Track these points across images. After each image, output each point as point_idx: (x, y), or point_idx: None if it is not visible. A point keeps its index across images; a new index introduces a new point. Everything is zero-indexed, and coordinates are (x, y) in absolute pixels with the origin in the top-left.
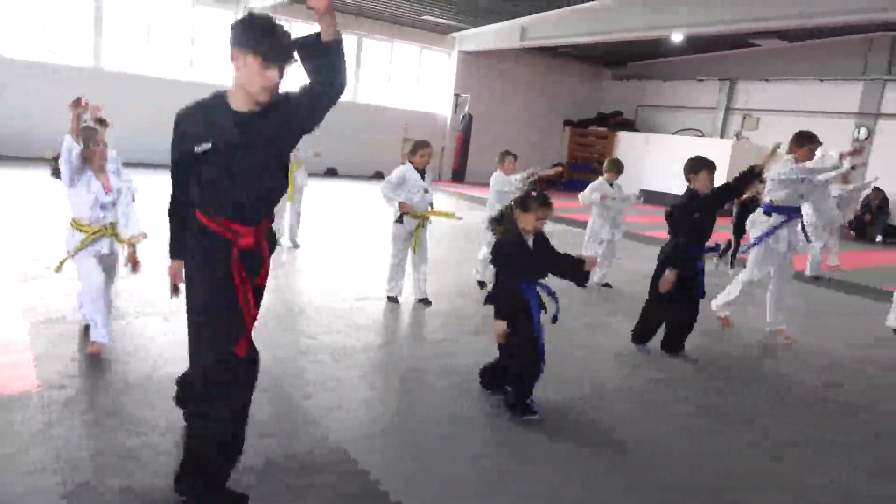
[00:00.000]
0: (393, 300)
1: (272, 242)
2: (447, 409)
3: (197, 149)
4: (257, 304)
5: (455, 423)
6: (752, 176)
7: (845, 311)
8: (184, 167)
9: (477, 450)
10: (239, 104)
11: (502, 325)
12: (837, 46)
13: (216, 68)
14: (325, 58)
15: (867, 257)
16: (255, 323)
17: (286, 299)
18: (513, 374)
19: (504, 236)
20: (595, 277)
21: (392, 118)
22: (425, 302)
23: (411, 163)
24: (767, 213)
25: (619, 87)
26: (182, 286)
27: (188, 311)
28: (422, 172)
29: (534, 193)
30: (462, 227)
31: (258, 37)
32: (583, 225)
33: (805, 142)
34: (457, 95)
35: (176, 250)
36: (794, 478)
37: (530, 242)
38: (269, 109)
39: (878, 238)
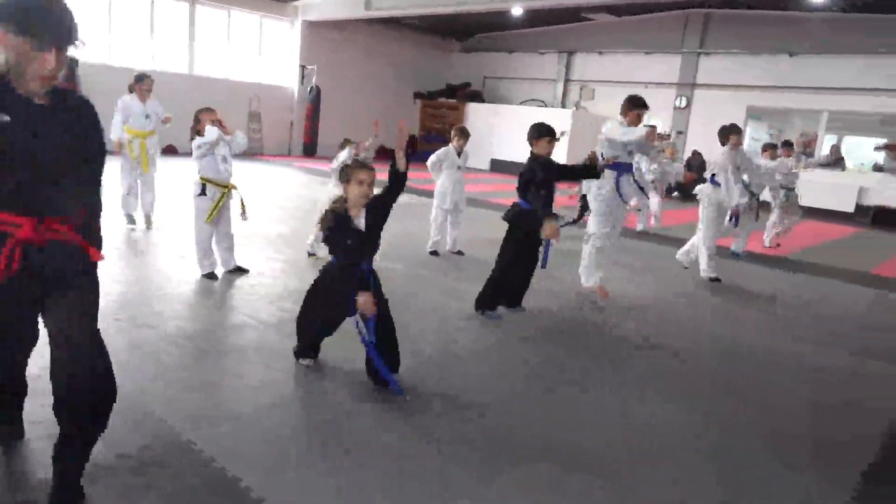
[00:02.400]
0: (208, 276)
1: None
2: (294, 387)
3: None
4: (59, 320)
5: (302, 400)
6: (589, 172)
7: (672, 264)
8: None
9: (326, 425)
10: (23, 89)
11: (367, 298)
12: (659, 22)
13: None
14: None
15: (690, 214)
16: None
17: (124, 287)
18: (303, 318)
19: (333, 217)
20: (448, 246)
21: (235, 91)
22: (239, 270)
23: (199, 133)
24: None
25: (467, 59)
26: None
27: None
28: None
29: (348, 163)
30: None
31: (27, 15)
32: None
33: (633, 106)
34: (303, 67)
35: None
36: (630, 427)
37: (360, 222)
38: (64, 108)
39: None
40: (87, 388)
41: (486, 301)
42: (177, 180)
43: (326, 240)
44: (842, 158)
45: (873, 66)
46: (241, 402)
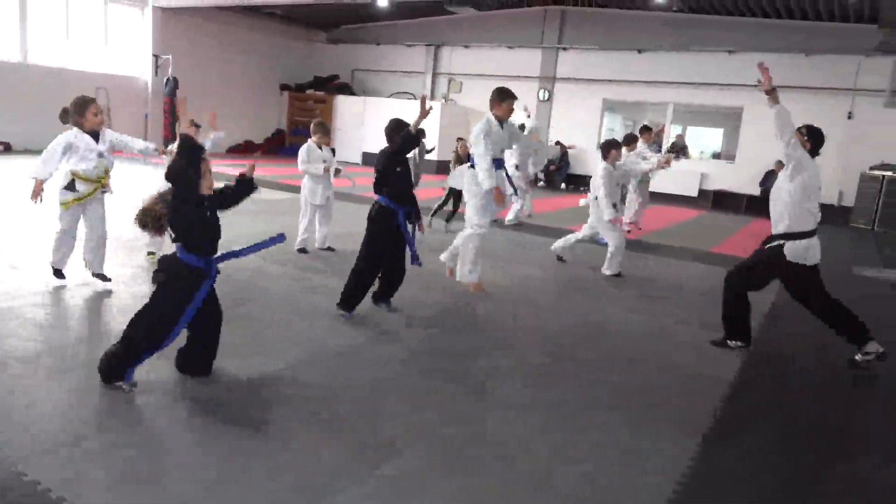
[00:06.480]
0: (58, 274)
1: None
2: (141, 406)
3: None
4: None
5: (150, 419)
6: (414, 140)
7: (539, 250)
8: None
9: (176, 442)
10: None
11: None
12: (520, 17)
13: None
14: None
15: (554, 202)
16: None
17: None
18: (128, 335)
19: (185, 203)
20: (317, 243)
21: (78, 82)
22: (101, 277)
23: (80, 126)
24: (472, 165)
25: (334, 51)
26: None
27: None
28: (95, 135)
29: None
30: None
31: None
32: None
33: (505, 97)
34: (156, 57)
35: None
36: (504, 415)
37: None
38: None
39: (563, 185)
40: None
41: (351, 302)
42: (6, 183)
43: (182, 228)
44: (685, 147)
45: (709, 63)
46: (84, 426)
